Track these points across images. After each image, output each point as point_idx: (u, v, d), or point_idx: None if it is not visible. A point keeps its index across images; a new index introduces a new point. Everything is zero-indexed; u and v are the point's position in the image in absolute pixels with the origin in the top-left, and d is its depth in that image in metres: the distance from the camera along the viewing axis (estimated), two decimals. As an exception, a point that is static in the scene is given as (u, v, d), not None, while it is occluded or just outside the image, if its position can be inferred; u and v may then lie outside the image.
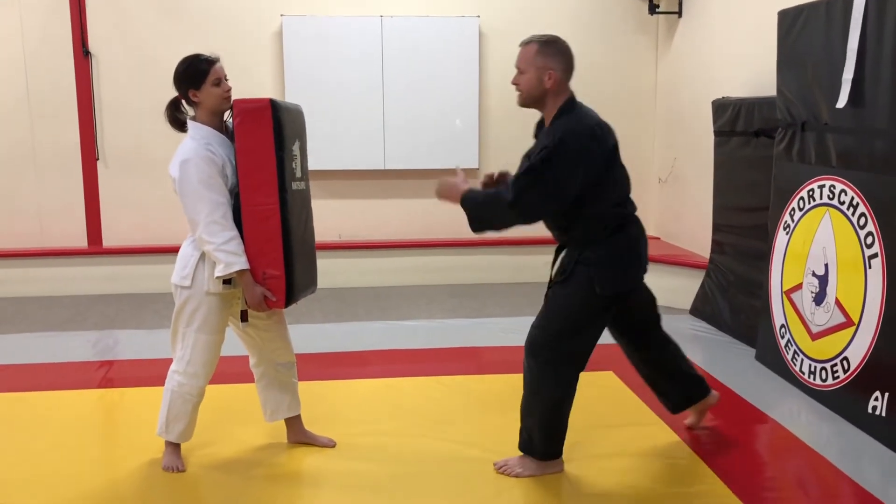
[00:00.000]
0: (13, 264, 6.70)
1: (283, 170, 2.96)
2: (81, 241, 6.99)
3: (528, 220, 3.03)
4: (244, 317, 3.09)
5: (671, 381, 3.46)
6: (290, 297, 3.03)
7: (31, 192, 6.90)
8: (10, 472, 3.20)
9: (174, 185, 3.00)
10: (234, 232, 2.95)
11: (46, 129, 6.83)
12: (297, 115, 3.14)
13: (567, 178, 2.88)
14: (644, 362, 3.44)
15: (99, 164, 6.93)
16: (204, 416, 3.29)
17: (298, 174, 3.10)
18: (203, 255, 3.01)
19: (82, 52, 6.75)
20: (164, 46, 6.59)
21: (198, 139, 3.00)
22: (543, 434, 3.12)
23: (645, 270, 3.16)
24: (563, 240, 3.14)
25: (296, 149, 3.07)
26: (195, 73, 3.00)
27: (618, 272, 3.02)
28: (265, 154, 2.93)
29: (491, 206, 3.02)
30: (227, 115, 3.09)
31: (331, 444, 3.41)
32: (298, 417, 3.42)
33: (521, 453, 3.20)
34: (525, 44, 3.01)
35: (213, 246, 2.92)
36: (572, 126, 2.93)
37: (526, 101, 3.04)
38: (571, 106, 3.00)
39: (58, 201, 6.93)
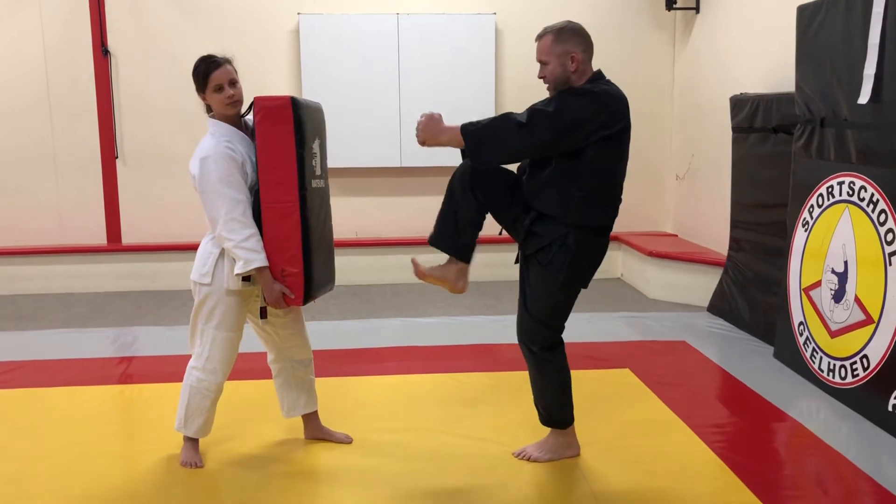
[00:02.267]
0: (33, 261, 6.77)
1: (304, 167, 2.97)
2: (101, 239, 7.05)
3: (536, 145, 2.89)
4: (263, 313, 3.11)
5: None
6: (308, 295, 3.05)
7: (51, 190, 6.97)
8: (29, 466, 3.24)
9: (194, 183, 3.01)
10: (254, 229, 2.97)
11: (66, 127, 6.90)
12: (317, 112, 3.15)
13: (579, 114, 2.84)
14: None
15: (118, 161, 6.99)
16: (222, 412, 3.32)
17: (318, 172, 3.10)
18: (222, 253, 3.02)
19: (101, 51, 6.81)
20: (183, 45, 6.64)
21: (217, 136, 3.01)
22: (560, 406, 3.22)
23: None
24: (550, 207, 2.97)
25: (316, 146, 3.08)
26: (197, 78, 3.03)
27: (584, 270, 3.03)
28: (286, 151, 2.94)
29: (497, 128, 2.89)
30: (248, 113, 3.10)
31: (347, 441, 3.43)
32: (315, 414, 3.44)
33: (538, 441, 3.28)
34: (540, 37, 3.01)
35: (232, 243, 2.93)
36: (596, 85, 2.96)
37: (557, 91, 3.00)
38: (599, 78, 3.00)
39: (77, 199, 7.00)
